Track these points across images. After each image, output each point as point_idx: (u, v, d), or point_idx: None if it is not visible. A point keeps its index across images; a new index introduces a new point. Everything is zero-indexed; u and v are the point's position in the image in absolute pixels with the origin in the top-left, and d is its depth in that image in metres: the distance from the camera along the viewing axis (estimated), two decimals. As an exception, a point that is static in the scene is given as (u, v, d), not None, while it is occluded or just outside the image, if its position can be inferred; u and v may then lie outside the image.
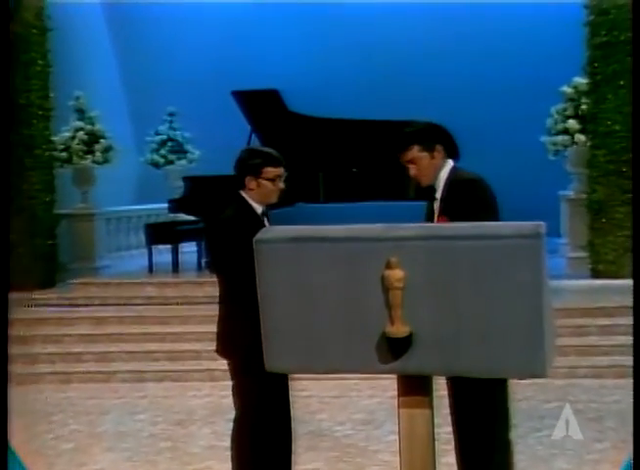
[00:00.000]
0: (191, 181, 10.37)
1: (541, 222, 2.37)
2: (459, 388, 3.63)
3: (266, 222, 3.83)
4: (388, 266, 2.36)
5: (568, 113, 10.21)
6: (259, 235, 2.54)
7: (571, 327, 7.73)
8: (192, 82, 13.20)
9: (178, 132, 13.32)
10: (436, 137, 3.68)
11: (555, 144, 10.30)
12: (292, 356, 2.49)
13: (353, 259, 2.41)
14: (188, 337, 8.32)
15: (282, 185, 3.87)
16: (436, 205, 3.67)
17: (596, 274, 9.52)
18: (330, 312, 2.43)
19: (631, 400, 3.30)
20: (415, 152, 3.65)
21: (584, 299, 8.53)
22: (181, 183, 10.74)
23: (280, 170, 3.86)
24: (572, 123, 10.09)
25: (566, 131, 10.18)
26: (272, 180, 3.84)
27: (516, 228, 2.33)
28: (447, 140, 3.72)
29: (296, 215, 8.62)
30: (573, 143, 10.13)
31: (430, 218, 3.69)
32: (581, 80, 9.96)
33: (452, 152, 3.75)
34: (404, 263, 2.36)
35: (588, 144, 9.78)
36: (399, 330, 2.37)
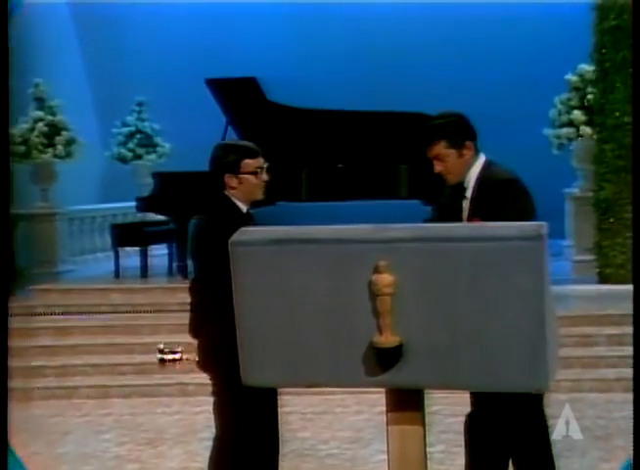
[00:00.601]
0: (161, 178, 10.35)
1: (543, 223, 2.38)
2: (486, 402, 3.62)
3: (252, 223, 3.84)
4: (377, 271, 2.37)
5: (573, 103, 10.26)
6: (236, 237, 2.54)
7: (577, 336, 7.77)
8: (162, 69, 13.19)
9: (147, 124, 13.30)
10: (467, 132, 3.65)
11: (559, 137, 10.36)
12: (271, 369, 2.49)
13: (339, 263, 2.42)
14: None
15: (265, 177, 3.87)
16: (466, 204, 3.66)
17: (603, 279, 9.57)
18: (313, 321, 2.44)
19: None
20: (441, 148, 3.63)
21: (591, 306, 8.57)
22: (150, 180, 10.72)
23: (259, 161, 3.85)
24: (578, 115, 10.14)
25: (571, 123, 10.23)
26: (254, 173, 3.83)
27: (516, 229, 2.34)
28: (474, 131, 3.69)
29: (276, 215, 8.63)
30: (579, 136, 10.19)
31: (453, 218, 3.67)
32: (588, 68, 10.02)
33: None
34: (395, 267, 2.37)
35: (595, 137, 9.83)
36: (388, 340, 2.38)
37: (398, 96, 11.20)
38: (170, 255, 10.60)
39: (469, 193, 3.66)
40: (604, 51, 9.58)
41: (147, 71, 13.22)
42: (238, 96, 10.19)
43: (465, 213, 3.65)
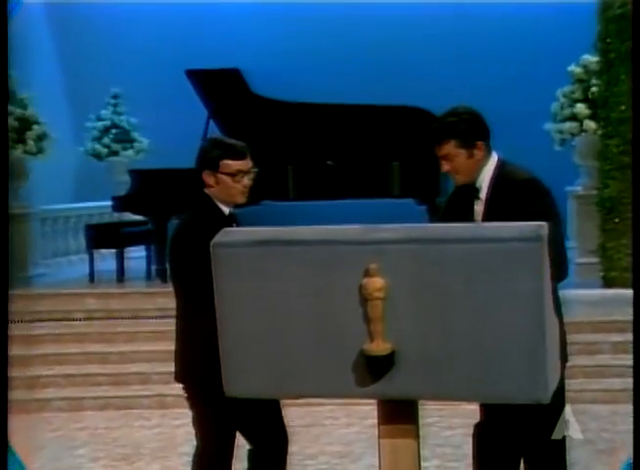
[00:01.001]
0: (139, 175, 10.34)
1: (544, 223, 2.39)
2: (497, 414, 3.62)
3: (234, 225, 3.81)
4: (367, 274, 2.38)
5: (576, 96, 10.28)
6: (218, 238, 2.54)
7: (580, 344, 7.79)
8: (140, 59, 13.15)
9: (124, 117, 13.27)
10: (479, 132, 3.65)
11: (561, 132, 10.38)
12: (255, 379, 2.50)
13: (327, 266, 2.43)
14: (135, 357, 8.29)
15: (246, 182, 3.82)
16: (478, 205, 3.67)
17: (608, 283, 9.59)
18: (300, 327, 2.44)
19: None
20: (451, 147, 3.64)
21: (594, 311, 8.60)
22: (127, 177, 10.71)
23: (242, 164, 3.81)
24: (581, 108, 10.17)
25: (573, 117, 10.26)
26: (232, 175, 3.78)
27: (514, 230, 2.35)
28: (487, 131, 3.69)
29: (261, 215, 8.63)
30: (582, 131, 10.21)
31: (463, 218, 3.67)
32: (592, 58, 10.04)
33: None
34: (386, 270, 2.38)
35: (599, 132, 9.86)
36: (380, 347, 2.38)
37: (392, 90, 11.23)
38: (148, 257, 10.59)
39: (482, 194, 3.66)
40: (608, 41, 9.61)
41: (124, 62, 13.20)
42: (220, 88, 10.19)
43: (478, 216, 3.66)
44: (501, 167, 3.67)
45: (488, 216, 3.59)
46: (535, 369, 2.32)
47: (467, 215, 3.68)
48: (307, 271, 2.43)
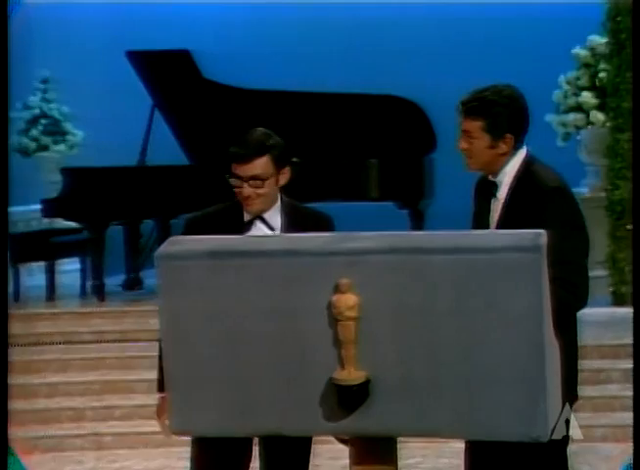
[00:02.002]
0: (72, 174, 10.29)
1: (542, 231, 2.40)
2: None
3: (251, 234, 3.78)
4: (338, 290, 2.39)
5: (582, 83, 10.35)
6: (163, 248, 2.54)
7: (586, 372, 7.79)
8: (75, 36, 13.09)
9: (54, 106, 13.20)
10: (513, 125, 3.66)
11: (565, 125, 10.44)
12: (207, 414, 2.50)
13: (291, 281, 2.44)
14: (67, 390, 8.23)
15: (247, 191, 3.77)
16: (496, 205, 3.68)
17: (619, 300, 9.66)
18: (259, 353, 2.45)
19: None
20: (476, 126, 3.65)
21: (603, 333, 8.64)
22: (59, 177, 10.66)
23: (240, 169, 3.77)
24: (588, 97, 10.23)
25: (579, 108, 10.32)
26: (238, 180, 3.78)
27: (508, 238, 2.37)
28: (524, 126, 3.71)
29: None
30: (589, 123, 10.28)
31: (480, 218, 3.69)
32: (600, 40, 10.12)
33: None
34: (361, 286, 2.39)
35: (609, 125, 9.94)
36: (352, 375, 2.39)
37: (369, 72, 11.26)
38: (83, 271, 10.52)
39: (500, 193, 3.68)
40: (619, 19, 9.69)
41: (54, 40, 13.13)
42: (167, 73, 10.17)
43: (494, 215, 3.68)
44: (527, 166, 3.69)
45: (504, 220, 3.60)
46: (533, 402, 2.34)
47: (483, 215, 3.71)
48: (268, 287, 2.44)
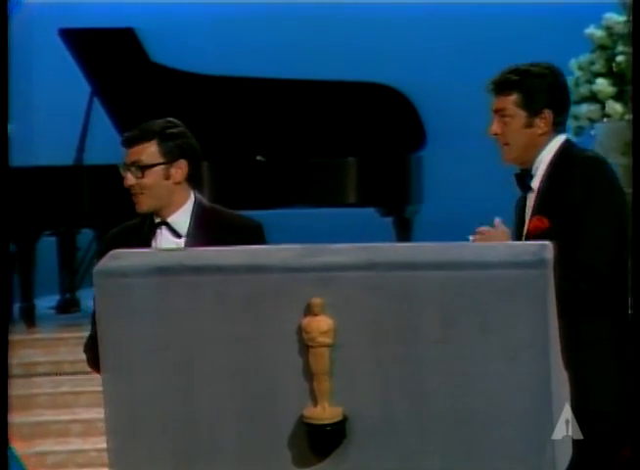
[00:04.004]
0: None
1: (547, 242, 2.41)
2: None
3: (155, 242, 3.85)
4: (310, 311, 2.39)
5: (596, 68, 10.40)
6: (103, 263, 2.54)
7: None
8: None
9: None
10: (552, 98, 3.74)
11: (577, 118, 10.48)
12: (156, 464, 2.48)
13: (254, 302, 2.43)
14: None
15: (129, 181, 3.83)
16: (531, 199, 3.73)
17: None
18: (215, 386, 2.44)
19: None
20: (509, 102, 3.72)
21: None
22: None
23: (129, 155, 3.86)
24: (603, 85, 10.28)
25: (593, 97, 10.37)
26: (124, 168, 3.87)
27: (508, 252, 2.37)
28: (564, 101, 3.79)
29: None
30: (605, 116, 10.32)
31: (518, 218, 3.75)
32: (617, 18, 10.18)
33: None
34: (334, 307, 2.39)
35: (627, 117, 9.98)
36: (326, 413, 2.39)
37: (345, 57, 11.27)
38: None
39: (535, 183, 3.73)
40: (639, -6, 9.74)
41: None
42: (108, 55, 10.14)
43: (529, 211, 3.73)
44: (565, 151, 3.74)
45: (540, 210, 3.65)
46: (539, 448, 2.34)
47: (520, 214, 3.78)
48: (226, 309, 2.43)
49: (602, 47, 10.33)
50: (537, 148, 3.73)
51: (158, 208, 3.85)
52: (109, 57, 10.19)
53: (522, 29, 12.45)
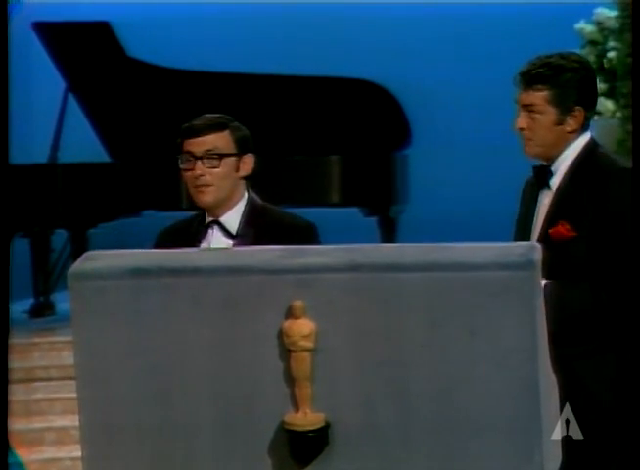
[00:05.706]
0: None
1: (536, 244, 2.41)
2: None
3: (205, 242, 3.79)
4: (291, 315, 2.39)
5: (587, 64, 10.42)
6: (77, 265, 2.53)
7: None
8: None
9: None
10: (585, 95, 3.71)
11: (567, 115, 10.52)
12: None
13: (234, 305, 2.43)
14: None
15: (198, 171, 3.76)
16: (548, 197, 3.69)
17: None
18: (193, 392, 2.44)
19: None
20: (540, 98, 3.68)
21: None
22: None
23: (192, 144, 3.80)
24: (594, 82, 10.31)
25: (583, 95, 10.39)
26: (190, 159, 3.79)
27: (495, 253, 2.37)
28: (595, 98, 3.78)
29: (142, 231, 8.57)
30: (596, 113, 10.34)
31: (524, 215, 3.73)
32: (608, 13, 10.19)
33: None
34: (315, 310, 2.39)
35: (619, 115, 10.00)
36: (308, 419, 2.39)
37: (331, 54, 11.28)
38: (-20, 294, 10.46)
39: (554, 181, 3.70)
40: (631, -13, 9.76)
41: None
42: (83, 50, 10.13)
43: (542, 209, 3.69)
44: (590, 150, 3.73)
45: (562, 215, 3.61)
46: (526, 454, 2.34)
47: (528, 211, 3.73)
48: (204, 312, 2.43)
49: (592, 42, 10.34)
50: (562, 146, 3.71)
51: (221, 202, 3.76)
52: (84, 51, 10.17)
53: (511, 25, 12.45)
